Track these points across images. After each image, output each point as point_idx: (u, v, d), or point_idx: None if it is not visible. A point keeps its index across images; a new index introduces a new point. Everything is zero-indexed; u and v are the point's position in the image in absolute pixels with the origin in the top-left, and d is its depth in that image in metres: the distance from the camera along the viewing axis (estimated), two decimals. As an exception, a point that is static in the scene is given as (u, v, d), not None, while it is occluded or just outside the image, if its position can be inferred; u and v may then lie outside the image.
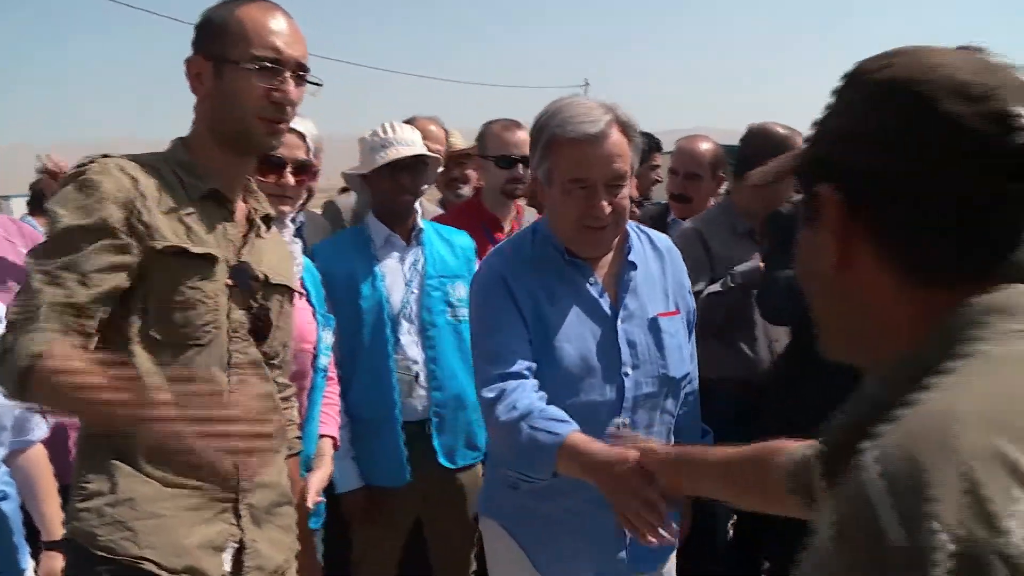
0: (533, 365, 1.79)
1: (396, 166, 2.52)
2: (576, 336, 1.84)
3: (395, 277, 2.60)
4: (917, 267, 0.76)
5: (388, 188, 2.57)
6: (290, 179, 2.19)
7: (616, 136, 1.79)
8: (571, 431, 1.65)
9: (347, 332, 2.49)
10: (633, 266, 1.92)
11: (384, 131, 2.60)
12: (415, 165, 2.56)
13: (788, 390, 2.63)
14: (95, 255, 1.46)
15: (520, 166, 3.06)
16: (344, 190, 3.45)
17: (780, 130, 3.00)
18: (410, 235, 2.63)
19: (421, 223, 2.66)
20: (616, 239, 1.92)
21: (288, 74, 1.61)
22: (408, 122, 3.18)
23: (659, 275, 1.98)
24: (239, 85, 1.59)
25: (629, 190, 1.87)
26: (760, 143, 2.98)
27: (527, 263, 1.88)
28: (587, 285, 1.88)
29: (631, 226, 1.98)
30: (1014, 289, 0.74)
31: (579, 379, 1.81)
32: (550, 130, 1.81)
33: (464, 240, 2.77)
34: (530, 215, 3.31)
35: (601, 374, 1.83)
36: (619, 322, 1.87)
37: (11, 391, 1.45)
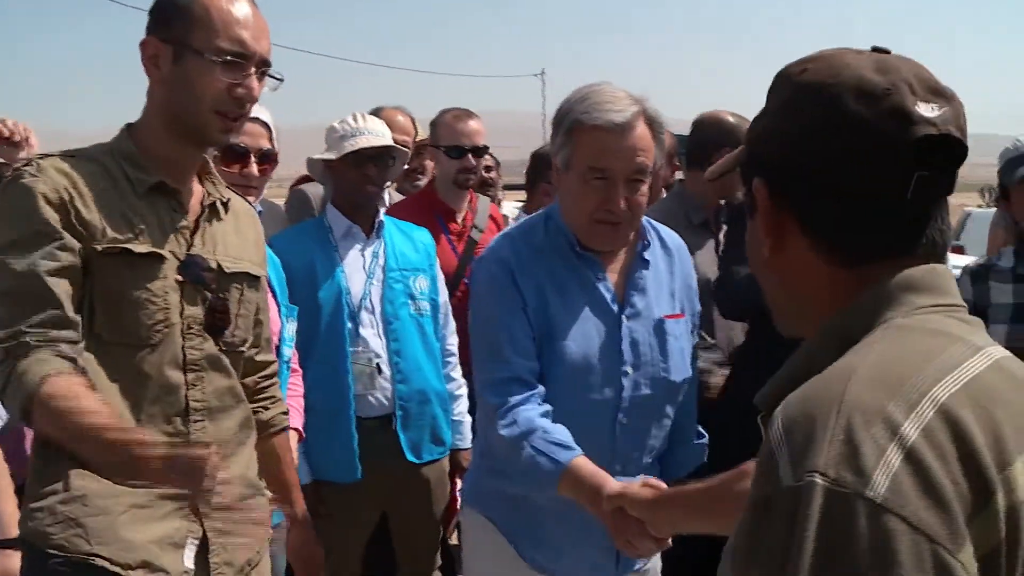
0: (536, 366, 1.76)
1: (363, 157, 2.48)
2: (580, 333, 1.79)
3: (356, 269, 2.56)
4: (840, 249, 0.84)
5: (354, 178, 2.53)
6: (254, 169, 2.15)
7: (642, 129, 1.73)
8: (572, 458, 1.62)
9: (305, 323, 2.43)
10: (646, 264, 1.88)
11: (355, 120, 2.56)
12: (382, 157, 2.53)
13: (746, 382, 2.65)
14: (45, 261, 1.43)
15: (471, 156, 3.05)
16: (301, 181, 3.37)
17: (730, 118, 3.03)
18: (371, 227, 2.60)
19: (382, 216, 2.64)
20: (630, 235, 1.87)
21: (252, 69, 1.55)
22: (375, 112, 3.14)
23: (667, 275, 1.94)
24: (200, 76, 1.52)
25: (648, 187, 1.80)
26: (711, 132, 3.01)
27: (537, 251, 1.83)
28: (596, 280, 1.83)
29: (646, 222, 1.92)
30: (928, 267, 0.83)
31: (580, 377, 1.77)
32: (574, 115, 1.74)
33: (424, 236, 2.74)
34: (484, 205, 3.30)
35: (601, 373, 1.79)
36: (624, 320, 1.83)
37: (18, 419, 1.46)
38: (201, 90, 1.52)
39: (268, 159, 2.20)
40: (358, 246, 2.58)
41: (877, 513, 0.65)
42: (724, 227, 2.99)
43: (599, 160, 1.73)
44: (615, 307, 1.83)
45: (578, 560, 1.85)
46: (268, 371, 1.82)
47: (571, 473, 1.61)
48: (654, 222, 1.99)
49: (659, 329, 1.86)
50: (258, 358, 1.76)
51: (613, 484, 1.57)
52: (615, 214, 1.75)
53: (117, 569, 1.46)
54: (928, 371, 0.72)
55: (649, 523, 1.51)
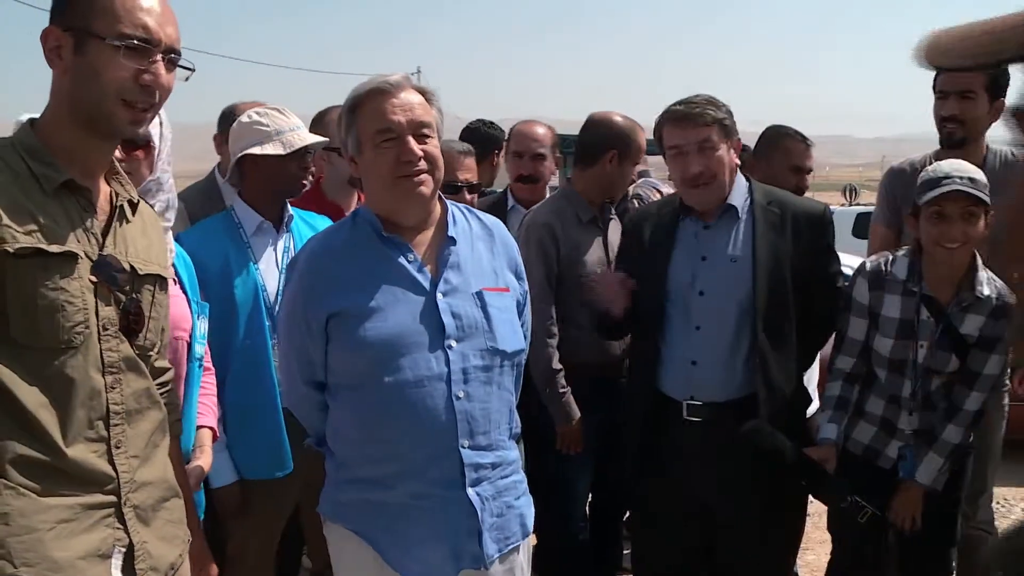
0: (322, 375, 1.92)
1: (302, 151, 2.54)
2: (392, 313, 1.84)
3: (269, 264, 2.57)
4: None
5: (295, 171, 2.57)
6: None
7: (412, 91, 1.88)
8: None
9: (222, 321, 2.43)
10: (453, 241, 1.93)
11: (282, 114, 2.59)
12: (303, 153, 2.58)
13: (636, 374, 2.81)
14: None
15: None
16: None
17: (620, 119, 3.16)
18: (281, 221, 2.61)
19: (291, 209, 2.65)
20: (434, 202, 1.94)
21: (158, 56, 1.52)
22: (322, 114, 3.18)
23: (487, 253, 1.99)
24: (103, 63, 1.48)
25: (438, 145, 1.90)
26: (603, 132, 3.14)
27: (341, 246, 1.92)
28: (404, 262, 1.89)
29: (454, 205, 2.01)
30: None
31: (397, 355, 1.82)
32: (350, 99, 1.88)
33: (326, 225, 2.75)
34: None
35: (422, 348, 1.83)
36: (439, 296, 1.88)
37: None
38: (104, 78, 1.48)
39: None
40: (270, 241, 2.59)
41: None
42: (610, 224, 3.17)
43: (382, 120, 1.84)
44: (428, 284, 1.89)
45: (442, 554, 1.87)
46: (164, 378, 1.78)
47: None
48: (470, 207, 2.09)
49: (480, 300, 1.91)
50: (157, 364, 1.72)
51: None
52: (413, 162, 1.83)
53: None
54: None
55: None
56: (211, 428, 2.28)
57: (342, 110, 1.91)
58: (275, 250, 2.60)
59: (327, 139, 2.67)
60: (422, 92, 1.89)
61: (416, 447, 1.84)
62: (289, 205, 2.66)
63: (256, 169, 2.57)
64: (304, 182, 2.62)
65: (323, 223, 2.75)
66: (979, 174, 2.47)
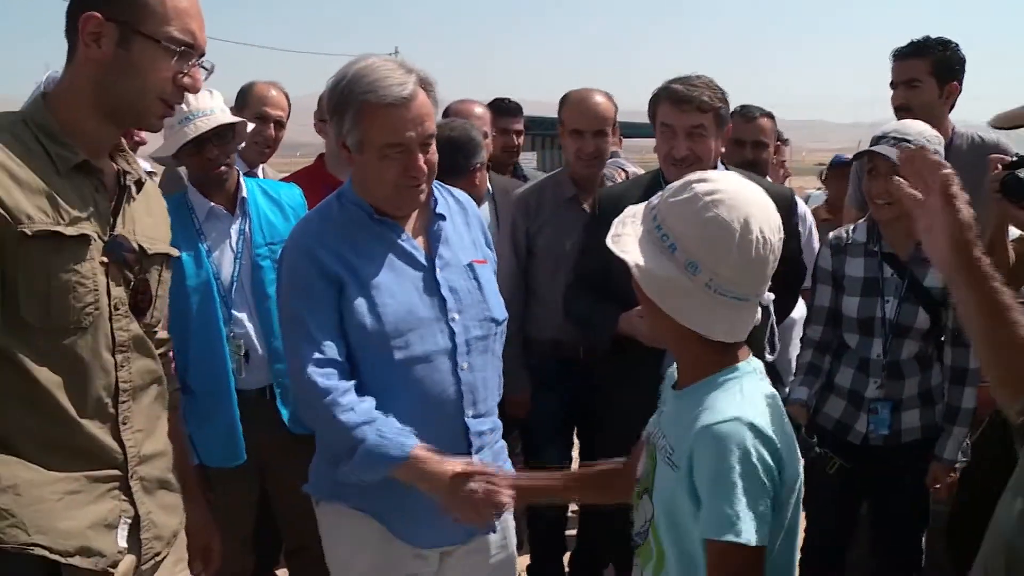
0: (343, 348, 1.81)
1: (200, 140, 2.42)
2: (398, 289, 1.85)
3: (223, 250, 2.50)
4: None
5: (199, 164, 2.48)
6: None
7: (423, 96, 1.82)
8: (414, 445, 1.76)
9: (175, 310, 2.29)
10: (442, 217, 1.96)
11: (184, 105, 2.40)
12: (222, 133, 2.46)
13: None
14: None
15: None
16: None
17: (600, 97, 3.12)
18: (234, 204, 2.54)
19: (245, 190, 2.57)
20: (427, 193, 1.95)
21: (196, 60, 1.57)
22: (247, 88, 3.09)
23: (464, 227, 2.04)
24: (148, 62, 1.51)
25: (436, 151, 1.89)
26: (582, 109, 3.09)
27: (336, 226, 1.88)
28: (398, 240, 1.90)
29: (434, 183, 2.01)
30: None
31: (408, 331, 1.83)
32: (358, 97, 1.79)
33: (292, 195, 2.69)
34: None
35: (429, 323, 1.86)
36: (437, 270, 1.90)
37: None
38: (149, 76, 1.52)
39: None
40: (221, 225, 2.52)
41: None
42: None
43: (394, 136, 1.80)
44: (425, 260, 1.91)
45: (453, 524, 1.86)
46: (164, 348, 1.83)
47: (414, 458, 1.75)
48: (441, 183, 2.08)
49: (471, 273, 1.96)
50: (158, 335, 1.77)
51: (455, 465, 1.75)
52: (418, 178, 1.84)
53: (56, 557, 1.47)
54: None
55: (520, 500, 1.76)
56: None
57: (340, 102, 1.82)
58: (229, 234, 2.53)
59: (217, 122, 2.44)
60: (426, 87, 1.84)
61: (426, 422, 1.82)
62: (243, 184, 2.57)
63: (183, 158, 2.49)
64: (217, 170, 2.48)
65: (288, 194, 2.68)
66: (921, 134, 2.53)
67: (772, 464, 1.29)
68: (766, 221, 1.33)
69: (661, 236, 1.35)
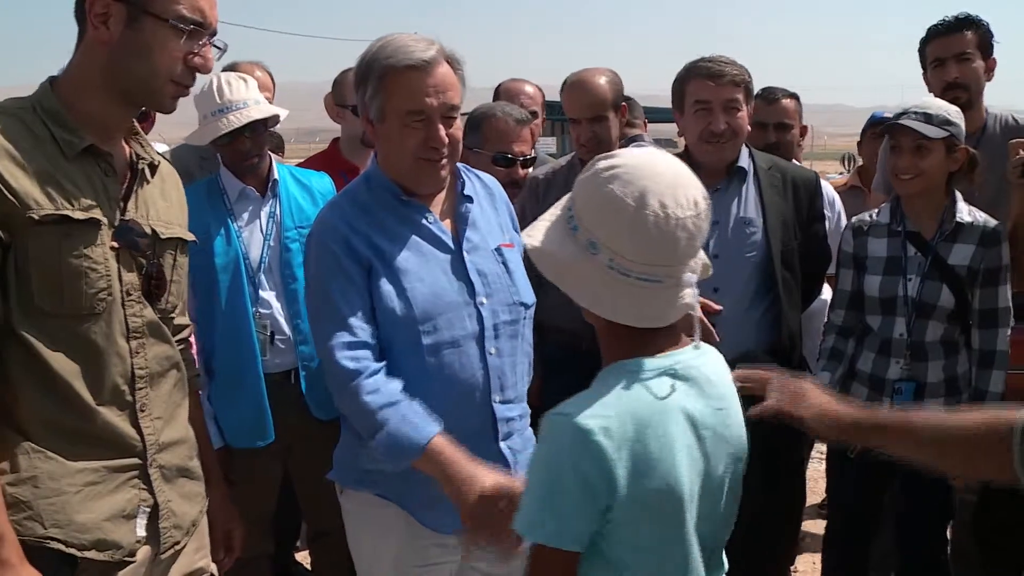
0: (375, 330, 1.78)
1: (233, 132, 2.43)
2: (426, 274, 1.83)
3: (252, 231, 2.51)
4: None
5: (231, 155, 2.49)
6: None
7: (446, 67, 1.81)
8: (436, 432, 1.69)
9: (203, 290, 2.39)
10: (469, 200, 1.94)
11: (218, 96, 2.45)
12: (254, 126, 2.47)
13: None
14: None
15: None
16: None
17: (598, 79, 3.05)
18: (265, 186, 2.55)
19: (276, 173, 2.58)
20: (450, 172, 1.92)
21: (207, 40, 1.54)
22: (230, 67, 3.06)
23: (492, 211, 2.01)
24: (158, 42, 1.49)
25: (460, 127, 1.88)
26: (583, 92, 3.02)
27: (363, 209, 1.86)
28: (426, 223, 1.88)
29: (459, 166, 1.99)
30: None
31: (437, 315, 1.80)
32: (381, 63, 1.78)
33: (323, 183, 2.70)
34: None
35: (457, 307, 1.83)
36: (465, 255, 1.88)
37: None
38: (159, 56, 1.49)
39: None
40: (252, 207, 2.53)
41: None
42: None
43: (415, 101, 1.78)
44: (452, 244, 1.89)
45: None
46: (184, 334, 1.81)
47: (433, 449, 1.68)
48: (467, 167, 2.06)
49: (500, 257, 1.93)
50: (176, 321, 1.74)
51: (485, 478, 1.63)
52: (439, 149, 1.81)
53: (72, 551, 1.46)
54: None
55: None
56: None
57: (364, 71, 1.82)
58: (259, 216, 2.54)
59: (253, 117, 2.46)
60: (450, 60, 1.82)
61: (453, 407, 1.79)
62: (276, 168, 2.58)
63: (215, 146, 2.50)
64: (248, 161, 2.49)
65: (319, 182, 2.69)
66: (944, 112, 2.50)
67: (595, 473, 1.19)
68: (670, 195, 1.22)
69: (568, 217, 1.30)
